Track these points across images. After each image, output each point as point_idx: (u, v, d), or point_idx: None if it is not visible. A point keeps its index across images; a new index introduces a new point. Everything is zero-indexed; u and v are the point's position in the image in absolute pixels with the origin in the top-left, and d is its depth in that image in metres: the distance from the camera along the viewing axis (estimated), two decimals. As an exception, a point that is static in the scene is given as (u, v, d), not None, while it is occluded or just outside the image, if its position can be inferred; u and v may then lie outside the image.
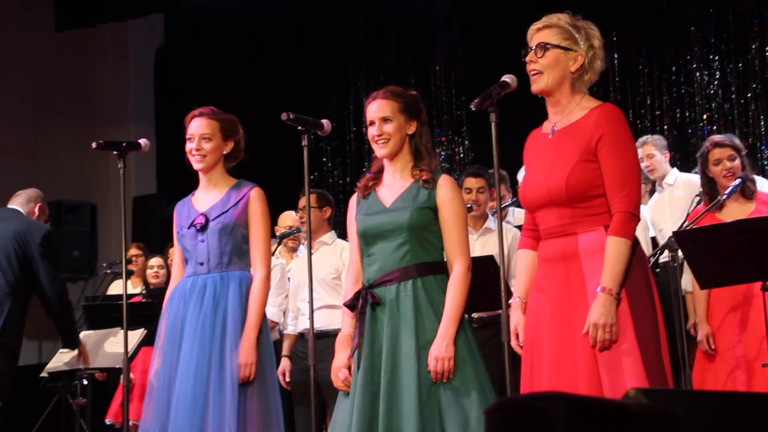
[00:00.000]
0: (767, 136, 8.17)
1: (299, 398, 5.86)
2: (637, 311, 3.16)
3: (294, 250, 6.91)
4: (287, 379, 5.85)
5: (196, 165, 4.27)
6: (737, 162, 5.18)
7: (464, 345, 3.51)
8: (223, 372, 4.00)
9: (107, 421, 7.11)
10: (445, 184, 3.64)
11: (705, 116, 8.42)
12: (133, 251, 7.83)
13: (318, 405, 5.53)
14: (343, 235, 6.80)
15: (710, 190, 5.22)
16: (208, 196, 4.30)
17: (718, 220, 5.04)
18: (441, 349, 3.45)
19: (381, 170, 3.77)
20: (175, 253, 4.40)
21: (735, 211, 5.05)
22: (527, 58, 3.35)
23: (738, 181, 5.12)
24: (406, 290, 3.55)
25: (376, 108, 3.69)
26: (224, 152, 4.29)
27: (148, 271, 7.46)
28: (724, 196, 5.07)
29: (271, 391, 4.13)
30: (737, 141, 5.39)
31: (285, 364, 5.88)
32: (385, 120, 3.67)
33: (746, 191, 5.13)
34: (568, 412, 1.65)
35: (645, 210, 6.81)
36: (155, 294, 6.83)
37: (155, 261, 7.54)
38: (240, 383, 4.00)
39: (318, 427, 5.59)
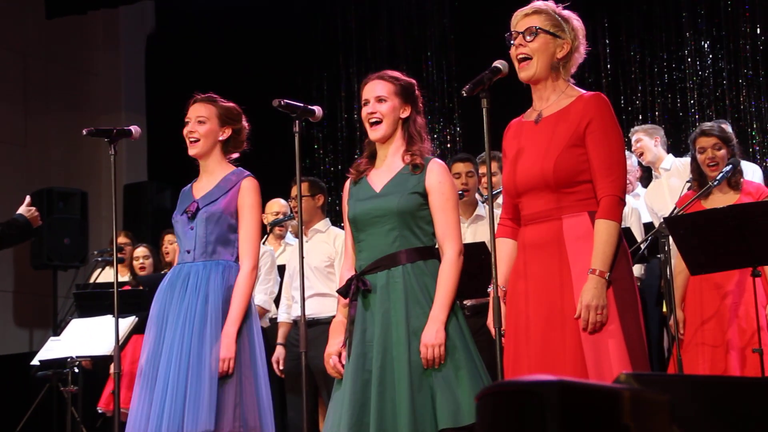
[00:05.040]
0: (758, 122, 8.18)
1: (291, 385, 5.87)
2: (622, 297, 3.19)
3: (281, 237, 6.90)
4: (281, 367, 5.86)
5: (190, 150, 4.22)
6: (722, 152, 5.16)
7: (456, 331, 3.50)
8: (201, 364, 3.94)
9: (99, 410, 7.10)
10: (435, 168, 3.62)
11: (696, 102, 8.42)
12: (121, 239, 7.80)
13: (310, 392, 5.54)
14: (336, 222, 6.82)
15: (699, 176, 5.24)
16: (205, 184, 4.27)
17: (702, 208, 5.04)
18: (431, 336, 3.43)
19: (374, 155, 3.76)
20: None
21: (719, 201, 5.05)
22: (516, 42, 3.35)
23: (729, 167, 5.12)
24: (396, 276, 3.53)
25: (372, 87, 3.69)
26: (220, 138, 4.22)
27: (134, 262, 7.42)
28: (715, 182, 5.07)
29: (254, 385, 4.07)
30: (727, 130, 5.38)
31: (279, 351, 5.89)
32: (379, 99, 3.66)
33: (732, 181, 5.12)
34: (559, 397, 1.65)
35: (642, 196, 6.83)
36: (146, 282, 6.82)
37: (140, 251, 7.48)
38: (219, 377, 3.95)
39: (310, 414, 5.59)
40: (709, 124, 5.50)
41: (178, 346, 3.99)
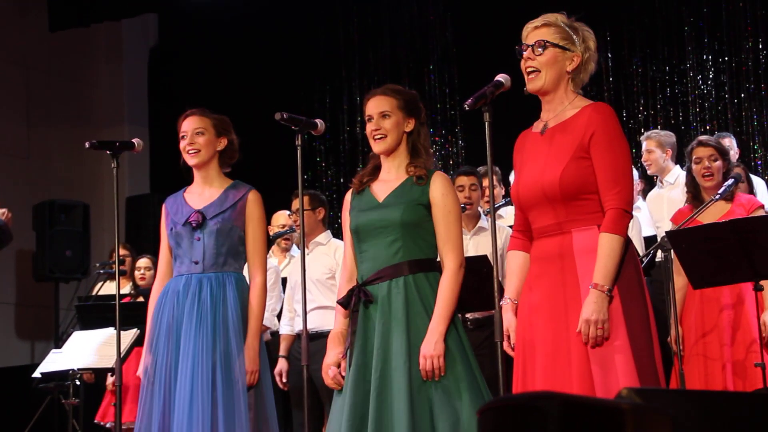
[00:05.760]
0: (760, 135, 8.19)
1: (296, 401, 5.85)
2: (629, 309, 3.17)
3: (287, 249, 6.91)
4: (284, 380, 5.84)
5: (191, 160, 4.26)
6: (718, 163, 5.18)
7: (455, 343, 3.50)
8: (231, 375, 4.03)
9: (96, 422, 7.09)
10: (438, 180, 3.63)
11: (698, 116, 8.43)
12: (121, 251, 7.79)
13: (314, 406, 5.53)
14: (337, 234, 6.81)
15: (693, 189, 5.25)
16: (203, 194, 4.29)
17: (696, 220, 5.04)
18: (430, 347, 3.43)
19: (377, 167, 3.76)
20: (163, 249, 4.36)
21: (711, 212, 5.06)
22: (525, 55, 3.34)
23: (731, 181, 5.13)
24: (397, 287, 3.53)
25: (375, 103, 3.69)
26: (218, 149, 4.29)
27: (136, 273, 7.41)
28: (716, 197, 5.07)
29: (266, 397, 4.17)
30: (724, 143, 5.40)
31: (282, 365, 5.87)
32: (383, 115, 3.66)
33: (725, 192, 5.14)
34: (561, 412, 1.65)
35: (642, 205, 6.82)
36: (147, 294, 6.81)
37: (142, 262, 7.47)
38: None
39: (314, 429, 5.57)
40: (707, 136, 5.53)
41: (200, 356, 4.02)
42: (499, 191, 6.62)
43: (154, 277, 7.41)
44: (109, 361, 5.68)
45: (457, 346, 3.51)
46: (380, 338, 3.51)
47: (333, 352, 3.66)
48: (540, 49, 3.31)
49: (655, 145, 6.72)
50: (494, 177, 6.46)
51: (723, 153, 5.23)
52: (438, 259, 3.65)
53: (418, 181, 3.63)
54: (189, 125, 4.27)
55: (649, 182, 7.09)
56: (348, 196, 3.81)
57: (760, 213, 5.10)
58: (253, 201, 4.24)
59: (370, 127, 3.69)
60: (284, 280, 6.23)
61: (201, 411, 3.94)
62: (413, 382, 3.43)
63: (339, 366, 3.61)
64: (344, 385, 3.56)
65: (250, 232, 4.22)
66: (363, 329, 3.56)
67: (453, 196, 3.65)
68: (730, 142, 6.89)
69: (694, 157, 5.23)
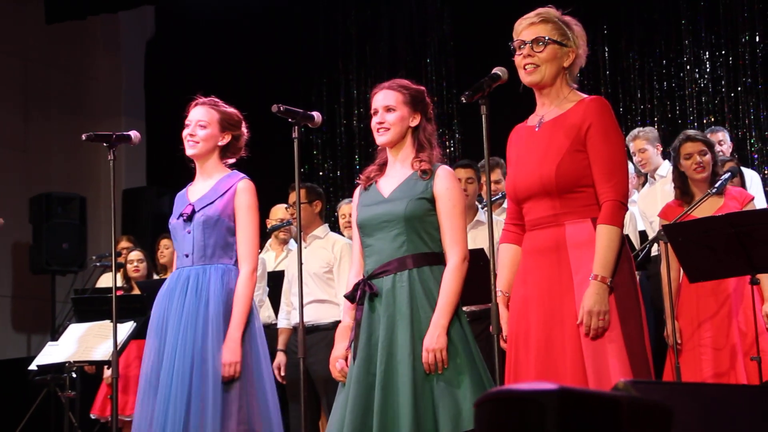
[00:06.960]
0: (757, 129, 8.19)
1: (292, 393, 5.86)
2: (622, 301, 3.19)
3: (285, 242, 6.91)
4: (282, 374, 5.85)
5: (189, 150, 4.19)
6: (708, 157, 5.20)
7: (458, 336, 3.52)
8: (205, 368, 3.91)
9: (92, 416, 7.09)
10: (443, 174, 3.65)
11: (695, 110, 8.43)
12: (124, 244, 7.81)
13: (310, 399, 5.53)
14: (335, 228, 6.81)
15: (681, 184, 5.25)
16: (200, 187, 4.24)
17: (688, 215, 5.05)
18: (432, 341, 3.45)
19: (385, 163, 3.78)
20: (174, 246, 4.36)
21: (704, 206, 5.06)
22: (525, 52, 3.33)
23: (728, 174, 5.14)
24: (401, 281, 3.55)
25: (381, 97, 3.71)
26: (219, 143, 4.20)
27: (128, 266, 7.41)
28: (713, 190, 5.08)
29: (257, 387, 4.03)
30: (721, 135, 5.41)
31: (281, 358, 5.88)
32: (388, 109, 3.68)
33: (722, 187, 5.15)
34: (559, 404, 1.65)
35: (635, 201, 6.83)
36: (145, 287, 6.81)
37: (134, 255, 7.47)
38: (224, 381, 3.92)
39: (311, 421, 5.58)
40: (692, 131, 5.55)
41: (180, 350, 3.96)
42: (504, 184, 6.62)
43: (147, 269, 7.45)
44: (106, 353, 5.67)
45: (461, 338, 3.52)
46: (385, 331, 3.53)
47: (340, 345, 3.67)
48: (540, 46, 3.31)
49: (646, 142, 6.75)
50: (499, 169, 6.49)
51: (711, 146, 5.26)
52: (443, 252, 3.65)
53: (422, 176, 3.65)
54: (194, 115, 4.19)
55: (647, 176, 7.11)
56: (356, 192, 3.83)
57: (752, 206, 5.12)
58: (242, 190, 4.13)
59: (374, 120, 3.70)
60: (282, 273, 6.23)
61: (176, 408, 3.86)
62: (417, 375, 3.44)
63: (346, 359, 3.62)
64: (348, 377, 3.57)
65: (239, 222, 4.12)
66: (368, 322, 3.58)
67: (457, 190, 3.67)
68: (723, 136, 6.91)
69: (683, 153, 5.23)
